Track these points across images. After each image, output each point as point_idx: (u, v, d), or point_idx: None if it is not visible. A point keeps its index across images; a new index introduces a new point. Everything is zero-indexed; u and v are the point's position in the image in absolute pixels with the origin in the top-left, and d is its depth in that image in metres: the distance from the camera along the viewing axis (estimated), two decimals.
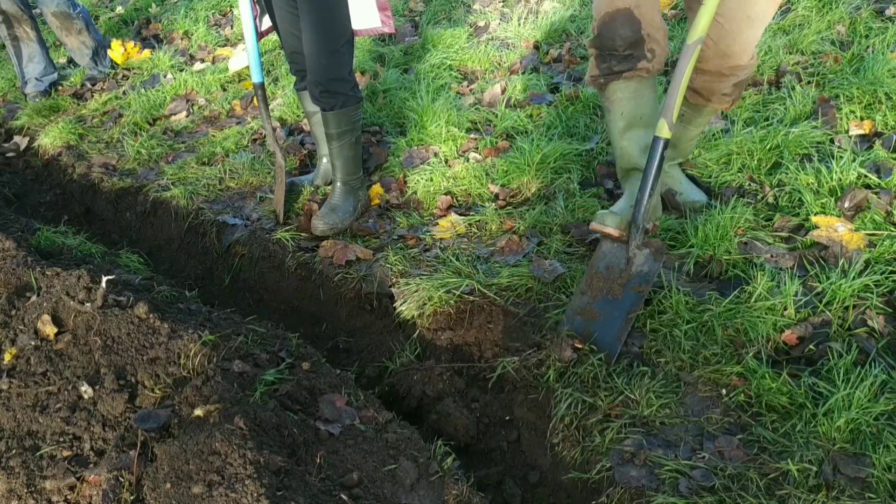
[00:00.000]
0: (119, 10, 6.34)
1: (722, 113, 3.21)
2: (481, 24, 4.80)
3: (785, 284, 2.26)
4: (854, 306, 2.20)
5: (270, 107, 4.19)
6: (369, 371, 2.63)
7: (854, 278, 2.24)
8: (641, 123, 2.46)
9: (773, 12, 2.28)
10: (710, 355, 2.16)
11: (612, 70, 2.37)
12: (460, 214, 3.05)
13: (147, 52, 5.36)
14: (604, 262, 2.29)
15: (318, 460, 1.87)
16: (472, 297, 2.58)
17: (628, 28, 2.26)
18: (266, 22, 3.12)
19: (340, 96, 2.91)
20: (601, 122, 3.42)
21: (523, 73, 4.08)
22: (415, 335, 2.60)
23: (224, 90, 4.66)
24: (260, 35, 3.05)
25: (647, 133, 2.38)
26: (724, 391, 2.07)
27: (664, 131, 2.15)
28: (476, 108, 3.79)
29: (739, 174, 2.85)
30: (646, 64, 2.34)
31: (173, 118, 4.43)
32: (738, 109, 3.22)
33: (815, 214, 2.51)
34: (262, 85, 3.10)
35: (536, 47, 4.35)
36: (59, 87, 5.09)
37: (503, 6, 5.10)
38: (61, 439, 1.98)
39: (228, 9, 5.89)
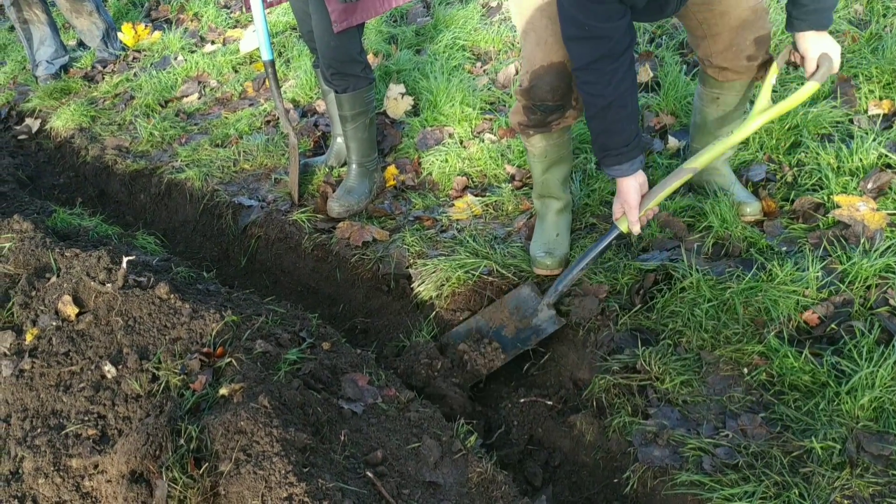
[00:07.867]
0: None
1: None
2: (493, 3, 4.75)
3: (806, 264, 2.26)
4: (876, 286, 2.19)
5: (283, 88, 4.16)
6: (388, 351, 2.64)
7: (876, 258, 2.23)
8: (562, 161, 2.52)
9: None
10: (731, 334, 2.16)
11: (544, 122, 2.35)
12: (476, 195, 3.05)
13: (157, 34, 5.34)
14: (514, 303, 2.48)
15: (343, 438, 1.89)
16: (490, 278, 2.58)
17: (561, 80, 2.22)
18: None
19: (352, 78, 2.90)
20: None
21: None
22: (432, 316, 2.61)
23: (236, 72, 4.64)
24: (268, 4, 3.00)
25: (566, 167, 2.55)
26: (745, 370, 2.07)
27: (625, 226, 2.22)
28: (490, 89, 3.77)
29: (758, 153, 2.83)
30: (573, 112, 2.35)
31: (185, 100, 4.42)
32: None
33: (837, 194, 2.49)
34: (272, 62, 3.05)
35: None
36: (70, 70, 5.07)
37: None
38: (86, 418, 2.00)
39: None
